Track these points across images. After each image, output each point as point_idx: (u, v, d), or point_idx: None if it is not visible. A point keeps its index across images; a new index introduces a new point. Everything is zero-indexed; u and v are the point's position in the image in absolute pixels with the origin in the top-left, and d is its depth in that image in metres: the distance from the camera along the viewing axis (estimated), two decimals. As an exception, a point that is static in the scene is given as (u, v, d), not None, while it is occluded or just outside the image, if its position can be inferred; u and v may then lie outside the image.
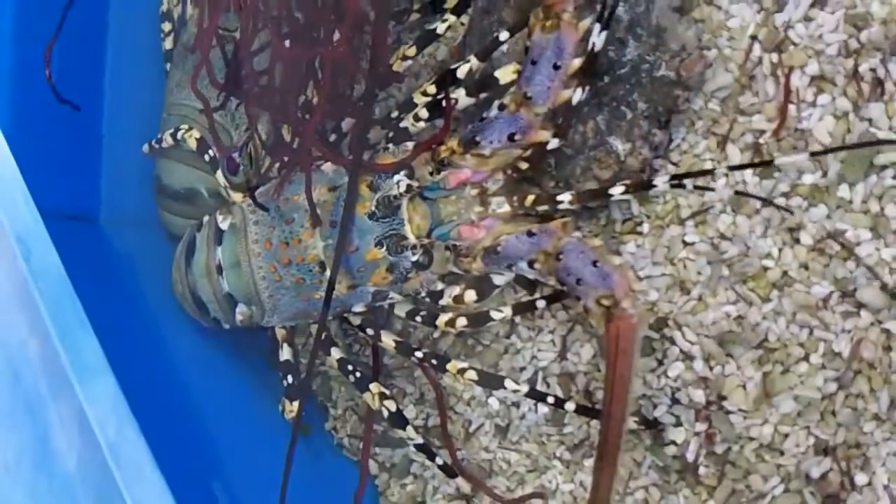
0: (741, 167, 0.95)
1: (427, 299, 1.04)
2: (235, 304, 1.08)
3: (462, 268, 0.99)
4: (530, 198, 0.96)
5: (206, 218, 1.12)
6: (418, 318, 1.05)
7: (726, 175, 0.98)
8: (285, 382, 1.10)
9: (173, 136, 1.13)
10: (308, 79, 1.01)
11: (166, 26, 1.25)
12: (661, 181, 0.90)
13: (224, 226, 1.08)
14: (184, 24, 1.24)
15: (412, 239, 0.99)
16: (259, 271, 1.05)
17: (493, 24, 1.03)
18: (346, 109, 1.04)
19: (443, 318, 1.02)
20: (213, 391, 1.12)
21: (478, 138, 0.95)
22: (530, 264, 0.93)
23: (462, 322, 1.01)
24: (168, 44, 1.24)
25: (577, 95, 0.92)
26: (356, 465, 1.21)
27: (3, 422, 0.90)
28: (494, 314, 1.01)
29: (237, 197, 1.10)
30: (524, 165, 0.98)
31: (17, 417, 0.89)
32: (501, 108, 0.94)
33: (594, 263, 0.88)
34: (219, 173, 1.11)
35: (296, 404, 1.06)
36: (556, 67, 0.90)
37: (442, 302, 1.03)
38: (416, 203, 0.99)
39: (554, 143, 0.95)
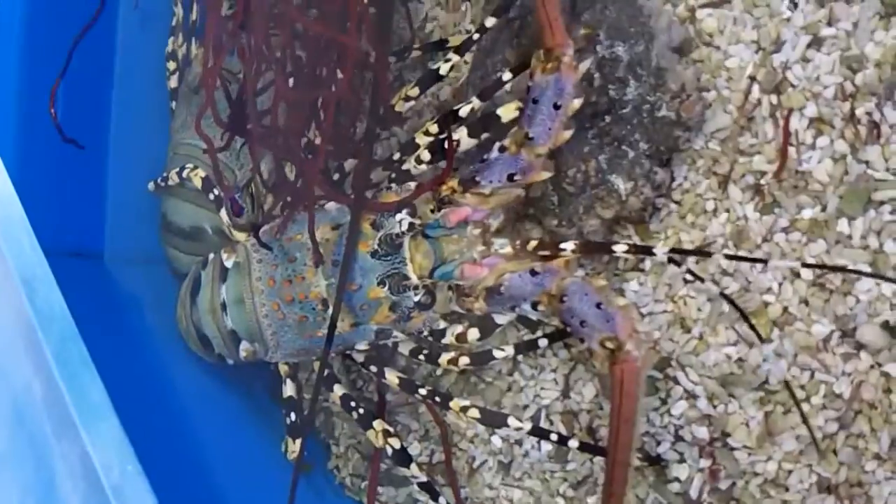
0: (737, 258, 0.96)
1: (430, 338, 1.05)
2: (239, 340, 1.09)
3: (465, 307, 1.00)
4: (533, 243, 0.97)
5: (211, 256, 1.13)
6: (421, 357, 1.05)
7: (727, 211, 0.99)
8: (288, 420, 1.10)
9: (179, 174, 1.15)
10: (311, 119, 1.02)
11: (171, 65, 1.26)
12: (659, 251, 0.91)
13: (228, 264, 1.09)
14: (189, 64, 1.25)
15: (414, 279, 0.99)
16: (262, 308, 1.05)
17: (497, 65, 1.04)
18: (349, 149, 1.05)
19: (445, 357, 1.03)
20: (217, 430, 1.12)
21: (478, 178, 0.96)
22: (534, 306, 0.94)
23: (465, 360, 1.02)
24: (173, 83, 1.25)
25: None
26: (358, 504, 1.21)
27: (7, 463, 0.90)
28: (497, 353, 1.02)
29: (240, 236, 1.11)
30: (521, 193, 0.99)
31: (21, 458, 0.88)
32: (502, 149, 0.95)
33: (598, 305, 0.88)
34: (223, 213, 1.11)
35: (298, 443, 1.06)
36: (556, 107, 0.91)
37: (445, 340, 1.03)
38: (419, 242, 1.00)
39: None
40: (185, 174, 1.14)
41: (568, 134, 0.93)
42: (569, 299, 0.90)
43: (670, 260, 0.95)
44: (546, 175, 0.96)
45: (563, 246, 0.95)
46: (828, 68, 0.95)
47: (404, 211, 1.00)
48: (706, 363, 0.98)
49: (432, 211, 1.00)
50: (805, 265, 0.91)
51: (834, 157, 0.95)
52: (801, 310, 0.95)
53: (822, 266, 0.94)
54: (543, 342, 1.03)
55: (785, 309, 0.96)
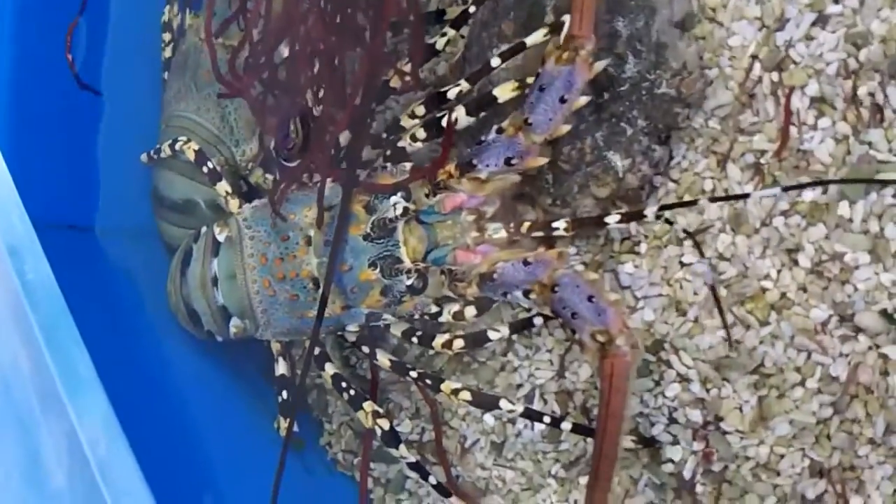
0: (721, 199, 0.95)
1: (425, 317, 1.03)
2: (229, 316, 1.08)
3: (457, 292, 0.98)
4: (526, 224, 0.96)
5: (203, 229, 1.12)
6: (414, 339, 1.04)
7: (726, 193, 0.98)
8: (280, 398, 1.09)
9: (171, 147, 1.13)
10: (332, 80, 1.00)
11: (167, 36, 1.24)
12: (650, 211, 0.91)
13: (221, 238, 1.07)
14: (183, 35, 1.23)
15: (407, 262, 0.98)
16: (253, 285, 1.04)
17: (493, 38, 1.02)
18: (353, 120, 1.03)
19: (440, 340, 1.02)
20: (206, 406, 1.11)
21: (475, 162, 0.95)
22: (526, 294, 0.93)
23: (459, 343, 1.01)
24: (168, 53, 1.24)
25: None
26: (350, 480, 1.21)
27: (-7, 436, 0.90)
28: (492, 334, 1.00)
29: (234, 206, 1.10)
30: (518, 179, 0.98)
31: (7, 432, 0.88)
32: (499, 131, 0.94)
33: (590, 298, 0.87)
34: (219, 185, 1.10)
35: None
36: (562, 100, 0.89)
37: (441, 319, 1.02)
38: (413, 226, 0.99)
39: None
40: (177, 147, 1.12)
41: (566, 128, 0.92)
42: (561, 290, 0.89)
43: (658, 217, 0.94)
44: (543, 161, 0.94)
45: (555, 225, 0.94)
46: (831, 45, 0.93)
47: (399, 194, 0.99)
48: (700, 346, 0.97)
49: (427, 195, 0.99)
50: (785, 188, 0.91)
51: (836, 138, 0.93)
52: (799, 296, 0.94)
53: (802, 185, 0.93)
54: (539, 320, 1.02)
55: (783, 294, 0.95)
